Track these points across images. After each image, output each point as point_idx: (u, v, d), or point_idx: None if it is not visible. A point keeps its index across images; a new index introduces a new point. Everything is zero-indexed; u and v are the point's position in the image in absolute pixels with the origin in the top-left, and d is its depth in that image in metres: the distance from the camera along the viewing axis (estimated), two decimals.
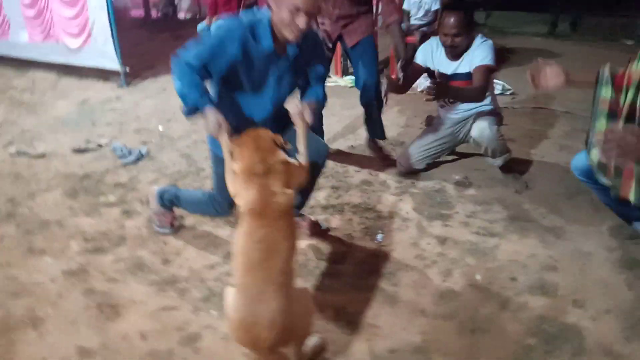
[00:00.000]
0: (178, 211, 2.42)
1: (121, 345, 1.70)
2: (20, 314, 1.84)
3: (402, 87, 2.86)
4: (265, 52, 1.77)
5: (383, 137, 3.17)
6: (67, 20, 4.73)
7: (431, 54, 2.72)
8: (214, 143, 1.87)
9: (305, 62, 1.92)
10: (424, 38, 4.29)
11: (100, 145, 3.43)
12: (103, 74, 4.84)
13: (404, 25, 4.29)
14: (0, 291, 1.96)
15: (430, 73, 2.79)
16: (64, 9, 4.73)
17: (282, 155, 1.58)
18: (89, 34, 4.68)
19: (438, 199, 2.61)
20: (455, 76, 2.66)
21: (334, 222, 2.42)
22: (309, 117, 1.76)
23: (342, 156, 3.15)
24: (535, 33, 5.73)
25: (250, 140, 1.57)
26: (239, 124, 1.77)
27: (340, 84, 4.67)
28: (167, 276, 2.07)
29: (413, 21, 4.43)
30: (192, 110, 1.74)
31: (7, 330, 1.76)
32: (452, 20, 2.51)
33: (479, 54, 2.57)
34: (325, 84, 2.91)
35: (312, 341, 1.64)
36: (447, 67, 2.68)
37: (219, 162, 1.83)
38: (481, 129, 2.57)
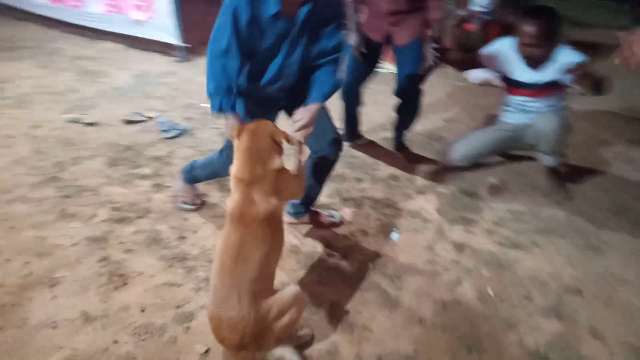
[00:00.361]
0: (203, 188, 2.49)
1: (120, 315, 1.78)
2: (41, 273, 1.98)
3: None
4: (272, 13, 1.66)
5: (405, 147, 3.00)
6: None
7: (507, 56, 2.49)
8: None
9: (318, 25, 1.77)
10: (484, 26, 4.02)
11: (148, 118, 3.58)
12: (164, 48, 5.02)
13: (461, 13, 4.04)
14: (29, 250, 2.12)
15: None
16: None
17: (277, 162, 1.56)
18: (153, 8, 4.86)
19: (466, 202, 2.47)
20: (530, 85, 2.44)
21: (351, 215, 2.37)
22: (303, 135, 1.75)
23: (375, 148, 3.06)
24: (616, 25, 5.17)
25: (248, 142, 1.54)
26: (255, 91, 1.77)
27: (392, 71, 4.51)
28: (178, 252, 2.14)
29: (473, 7, 4.16)
30: (218, 110, 1.80)
31: (27, 288, 1.91)
32: (531, 29, 2.27)
33: (570, 59, 2.33)
34: (380, 68, 2.84)
35: (299, 333, 1.64)
36: (525, 74, 2.46)
37: None
38: (549, 119, 2.37)
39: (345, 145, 3.09)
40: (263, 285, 1.49)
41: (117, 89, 4.19)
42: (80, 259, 2.07)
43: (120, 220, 2.36)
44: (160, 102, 3.93)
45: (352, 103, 2.97)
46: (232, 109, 1.77)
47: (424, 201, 2.49)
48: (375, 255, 2.11)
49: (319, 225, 2.27)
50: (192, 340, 1.69)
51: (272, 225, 1.54)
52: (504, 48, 2.49)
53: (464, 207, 2.43)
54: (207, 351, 1.64)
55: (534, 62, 2.39)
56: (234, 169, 1.57)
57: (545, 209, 2.40)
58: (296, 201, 2.21)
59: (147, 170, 2.85)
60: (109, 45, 5.42)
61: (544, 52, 2.33)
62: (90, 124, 3.44)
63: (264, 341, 1.43)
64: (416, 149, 3.03)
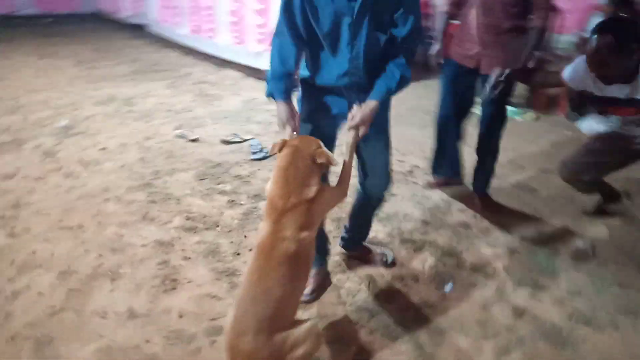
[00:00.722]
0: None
1: (160, 317, 1.90)
2: (108, 267, 2.21)
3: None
4: None
5: (485, 194, 2.76)
6: (256, 27, 5.40)
7: (582, 76, 2.14)
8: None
9: (382, 8, 1.55)
10: None
11: (243, 140, 3.84)
12: None
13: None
14: (106, 245, 2.37)
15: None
16: (256, 17, 5.41)
17: (313, 190, 1.50)
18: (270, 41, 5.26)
19: (542, 264, 2.20)
20: (629, 102, 2.10)
21: (406, 258, 2.25)
22: (362, 128, 1.61)
23: (454, 191, 2.89)
24: None
25: (287, 163, 1.51)
26: (321, 87, 1.72)
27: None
28: (229, 267, 2.22)
29: None
30: (269, 96, 1.74)
31: (93, 278, 2.13)
32: (596, 45, 1.94)
33: None
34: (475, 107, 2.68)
35: None
36: (614, 90, 2.11)
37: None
38: None
39: (424, 185, 2.97)
40: (284, 317, 1.46)
41: (225, 111, 4.58)
42: (144, 260, 2.26)
43: (190, 229, 2.54)
44: (259, 126, 4.19)
45: (446, 137, 2.76)
46: (284, 96, 1.66)
47: (493, 255, 2.27)
48: (420, 305, 1.97)
49: (369, 263, 2.19)
50: (214, 355, 1.72)
51: (300, 258, 1.50)
52: (579, 68, 2.14)
53: (537, 269, 2.17)
54: None
55: (610, 79, 2.04)
56: (269, 189, 1.56)
57: (637, 285, 2.03)
58: (347, 235, 2.17)
59: (227, 187, 3.04)
60: (230, 72, 5.97)
61: (620, 68, 1.97)
62: (193, 141, 3.79)
63: None
64: (500, 198, 2.79)
